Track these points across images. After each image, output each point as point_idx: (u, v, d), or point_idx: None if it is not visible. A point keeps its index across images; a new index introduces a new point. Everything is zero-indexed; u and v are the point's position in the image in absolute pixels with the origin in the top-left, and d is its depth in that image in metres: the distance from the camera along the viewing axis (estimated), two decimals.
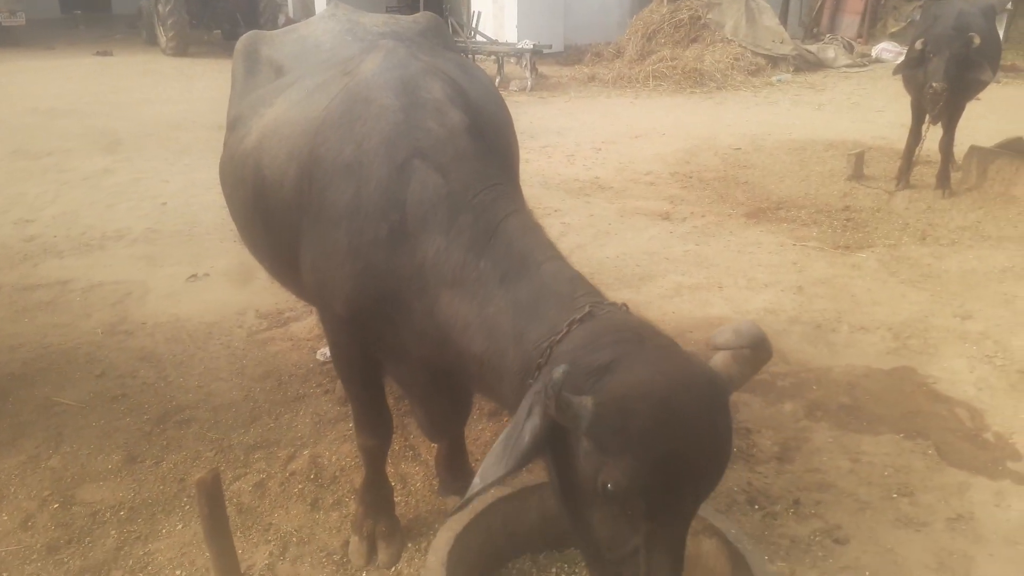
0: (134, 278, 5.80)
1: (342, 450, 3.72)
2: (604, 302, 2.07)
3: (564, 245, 6.36)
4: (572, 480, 1.85)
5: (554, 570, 2.62)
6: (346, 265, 2.40)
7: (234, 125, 3.32)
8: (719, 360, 1.90)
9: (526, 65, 14.38)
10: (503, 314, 2.10)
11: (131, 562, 3.05)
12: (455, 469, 3.33)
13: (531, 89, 14.36)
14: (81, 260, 6.17)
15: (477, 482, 1.80)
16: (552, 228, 6.83)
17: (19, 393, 4.19)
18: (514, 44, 15.26)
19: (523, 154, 9.48)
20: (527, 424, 1.76)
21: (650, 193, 8.02)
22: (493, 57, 15.03)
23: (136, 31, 22.30)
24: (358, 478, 3.31)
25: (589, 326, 1.93)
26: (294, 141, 2.67)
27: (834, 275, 5.79)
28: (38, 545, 3.11)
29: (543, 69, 16.06)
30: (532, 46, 14.26)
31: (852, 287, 5.58)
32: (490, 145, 2.46)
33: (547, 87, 14.92)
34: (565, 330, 1.94)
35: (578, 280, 2.15)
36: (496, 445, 1.82)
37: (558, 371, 1.67)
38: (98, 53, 19.18)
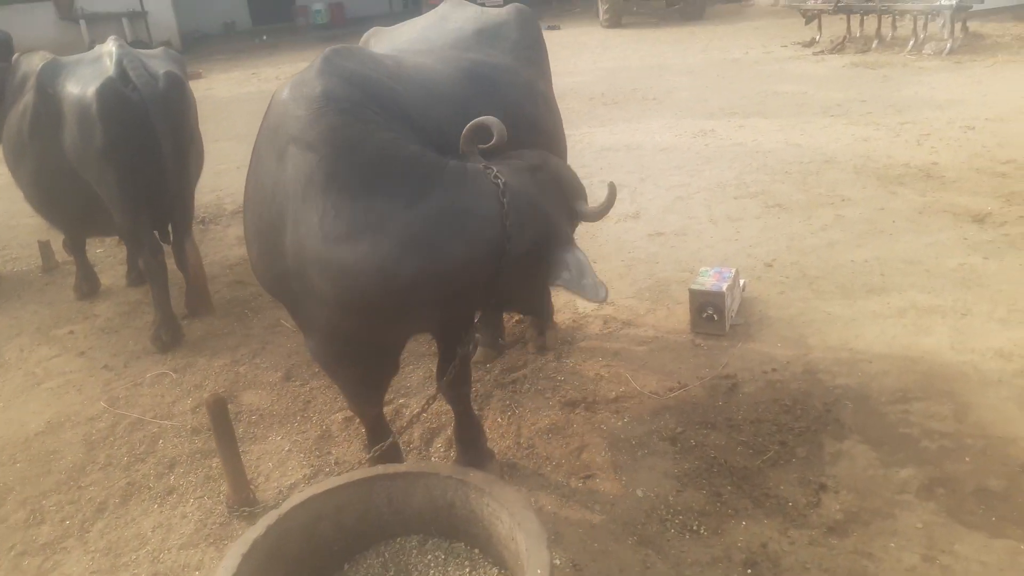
0: None
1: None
2: None
3: (815, 241, 5.68)
4: None
5: (430, 557, 2.71)
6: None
7: None
8: None
9: (944, 24, 12.14)
10: None
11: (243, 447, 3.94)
12: (466, 442, 3.50)
13: (949, 52, 12.09)
14: None
15: None
16: (820, 219, 6.08)
17: (266, 312, 5.46)
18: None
19: (869, 132, 8.34)
20: None
21: (987, 188, 6.45)
22: (908, 16, 12.93)
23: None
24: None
25: None
26: None
27: None
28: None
29: (985, 28, 13.42)
30: (955, 2, 11.91)
31: None
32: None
33: (976, 49, 12.37)
34: None
35: None
36: None
37: None
38: (548, 28, 21.59)
